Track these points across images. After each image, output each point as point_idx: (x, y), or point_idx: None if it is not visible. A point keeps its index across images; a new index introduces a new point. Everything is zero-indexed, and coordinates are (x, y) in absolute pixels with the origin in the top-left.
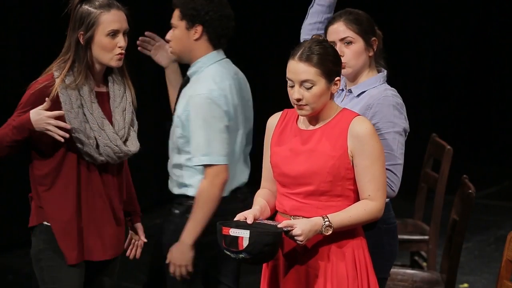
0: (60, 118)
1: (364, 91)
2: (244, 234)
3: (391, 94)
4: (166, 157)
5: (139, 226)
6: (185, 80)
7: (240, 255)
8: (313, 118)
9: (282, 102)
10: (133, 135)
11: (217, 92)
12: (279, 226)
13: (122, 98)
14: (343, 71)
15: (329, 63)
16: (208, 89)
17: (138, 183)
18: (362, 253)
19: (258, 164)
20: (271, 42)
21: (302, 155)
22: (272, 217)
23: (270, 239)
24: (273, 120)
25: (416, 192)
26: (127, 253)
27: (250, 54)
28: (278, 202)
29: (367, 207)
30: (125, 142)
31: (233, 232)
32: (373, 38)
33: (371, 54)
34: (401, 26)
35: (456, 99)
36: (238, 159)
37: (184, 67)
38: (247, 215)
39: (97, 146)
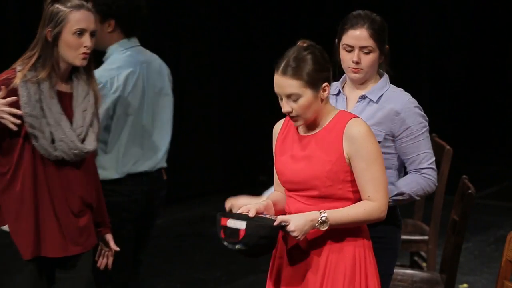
0: (15, 107)
1: (381, 95)
2: (240, 226)
3: (409, 96)
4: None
5: (108, 237)
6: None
7: (237, 246)
8: (311, 124)
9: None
10: (91, 136)
11: (104, 78)
12: (276, 222)
13: (84, 98)
14: (355, 76)
15: (313, 72)
16: (97, 75)
17: None
18: (363, 253)
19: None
20: (278, 45)
21: (302, 161)
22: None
23: (266, 232)
24: (277, 128)
25: None
26: (98, 264)
27: (257, 57)
28: (286, 204)
29: (367, 207)
30: (83, 141)
31: (231, 223)
32: (386, 46)
33: (381, 60)
34: (401, 26)
35: (456, 99)
36: (130, 144)
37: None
38: (250, 208)
39: (53, 141)
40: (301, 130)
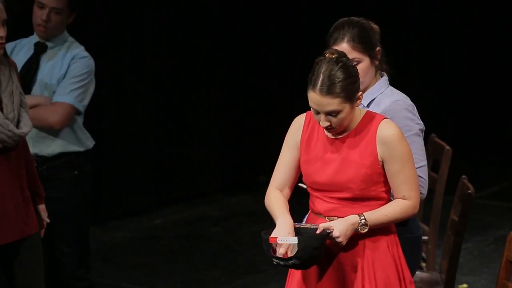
0: None
1: (373, 99)
2: (292, 241)
3: (400, 98)
4: (164, 159)
5: (41, 208)
6: (41, 51)
7: (290, 262)
8: None
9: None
10: (25, 116)
11: (91, 60)
12: (318, 231)
13: (8, 82)
14: None
15: (350, 86)
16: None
17: (137, 183)
18: (396, 249)
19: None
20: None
21: (333, 164)
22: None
23: (318, 243)
24: (299, 122)
25: None
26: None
27: (259, 56)
28: (312, 203)
29: (402, 206)
30: (18, 124)
31: (281, 240)
32: (377, 49)
33: (376, 63)
34: (402, 26)
35: (456, 99)
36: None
37: None
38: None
39: None
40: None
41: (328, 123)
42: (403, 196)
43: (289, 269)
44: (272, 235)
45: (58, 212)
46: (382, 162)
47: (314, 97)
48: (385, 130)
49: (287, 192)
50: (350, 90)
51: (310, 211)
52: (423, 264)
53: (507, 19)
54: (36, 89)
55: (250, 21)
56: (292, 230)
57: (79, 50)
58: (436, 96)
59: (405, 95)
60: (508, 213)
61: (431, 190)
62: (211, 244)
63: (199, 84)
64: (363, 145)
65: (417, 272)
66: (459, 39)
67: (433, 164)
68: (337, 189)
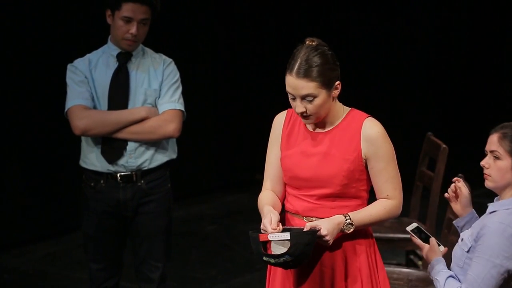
0: None
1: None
2: (284, 237)
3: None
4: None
5: None
6: (125, 60)
7: (282, 259)
8: (321, 121)
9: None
10: None
11: None
12: (306, 229)
13: None
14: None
15: (328, 72)
16: None
17: None
18: (373, 251)
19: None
20: (273, 40)
21: (314, 158)
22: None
23: (309, 238)
24: (280, 120)
25: (412, 191)
26: None
27: (256, 55)
28: (289, 203)
29: (387, 206)
30: None
31: (272, 237)
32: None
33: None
34: (399, 24)
35: (452, 97)
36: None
37: None
38: (272, 220)
39: None
40: (309, 126)
41: (303, 109)
42: (387, 195)
43: (268, 276)
44: (262, 230)
45: (153, 228)
46: (365, 159)
47: (290, 80)
48: (370, 127)
49: (279, 189)
50: (327, 76)
51: (285, 212)
52: (419, 263)
53: (502, 16)
54: (137, 96)
55: (249, 20)
56: (276, 215)
57: (162, 55)
58: (432, 94)
59: None
60: None
61: (427, 188)
62: (208, 242)
63: (194, 83)
64: (346, 141)
65: (413, 271)
66: (454, 37)
67: (429, 163)
68: (318, 184)
